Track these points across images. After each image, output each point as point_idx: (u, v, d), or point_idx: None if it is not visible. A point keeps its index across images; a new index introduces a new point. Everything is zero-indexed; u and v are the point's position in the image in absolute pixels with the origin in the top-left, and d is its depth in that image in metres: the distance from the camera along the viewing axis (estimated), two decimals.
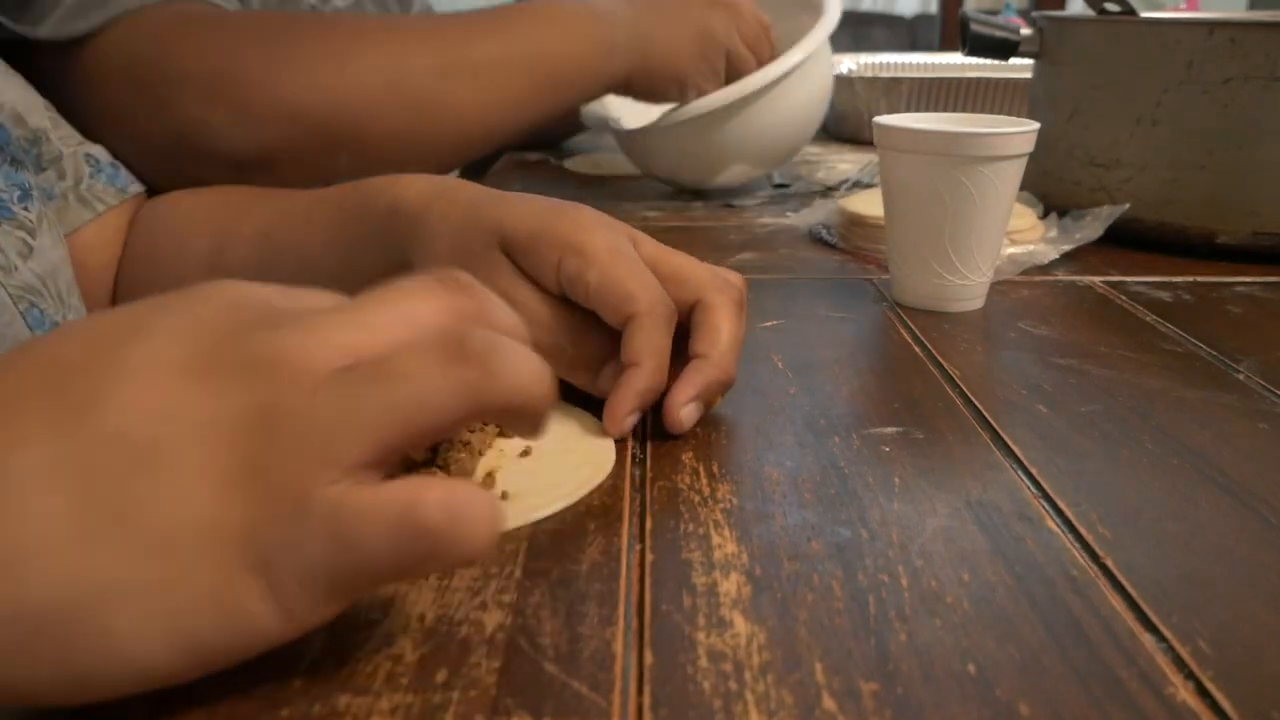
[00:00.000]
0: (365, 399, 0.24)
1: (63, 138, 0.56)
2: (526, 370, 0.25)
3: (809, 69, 0.84)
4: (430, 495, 0.24)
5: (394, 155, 0.60)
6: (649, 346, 0.39)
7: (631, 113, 0.87)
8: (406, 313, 0.26)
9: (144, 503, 0.23)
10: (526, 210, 0.41)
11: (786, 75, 0.81)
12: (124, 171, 0.59)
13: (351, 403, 0.23)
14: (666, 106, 0.84)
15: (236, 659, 0.24)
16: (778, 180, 0.96)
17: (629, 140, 0.89)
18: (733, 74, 0.82)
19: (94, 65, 0.58)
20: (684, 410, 0.40)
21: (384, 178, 0.47)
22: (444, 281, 0.27)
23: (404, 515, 0.23)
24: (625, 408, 0.39)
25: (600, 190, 0.94)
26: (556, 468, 0.38)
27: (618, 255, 0.40)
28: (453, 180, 0.46)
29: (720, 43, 0.80)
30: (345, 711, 0.25)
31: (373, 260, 0.45)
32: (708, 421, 0.42)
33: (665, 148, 0.87)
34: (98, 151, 0.58)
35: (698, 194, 0.91)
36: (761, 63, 0.82)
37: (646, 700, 0.26)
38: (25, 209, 0.49)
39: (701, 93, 0.81)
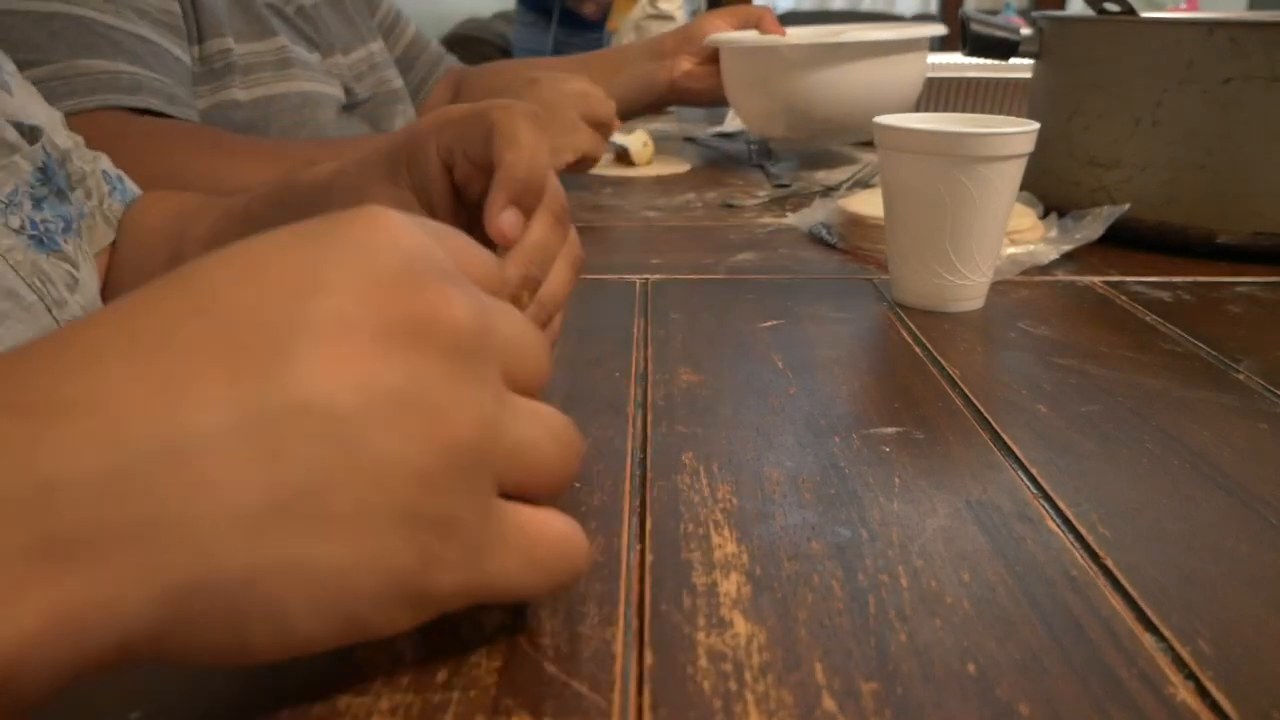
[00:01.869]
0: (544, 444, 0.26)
1: (81, 155, 0.56)
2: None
3: (910, 61, 0.98)
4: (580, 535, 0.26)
5: None
6: (524, 138, 0.38)
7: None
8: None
9: (335, 480, 0.22)
10: (412, 125, 0.43)
11: (905, 42, 0.97)
12: (127, 181, 0.59)
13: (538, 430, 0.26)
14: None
15: (387, 635, 0.24)
16: (778, 180, 0.96)
17: (770, 62, 0.98)
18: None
19: None
20: (502, 217, 0.38)
21: (314, 166, 0.48)
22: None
23: (571, 545, 0.26)
24: (496, 205, 0.38)
25: (602, 189, 0.94)
26: None
27: (479, 106, 0.41)
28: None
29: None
30: (345, 711, 0.25)
31: None
32: (708, 421, 0.42)
33: (804, 75, 0.96)
34: (107, 164, 0.58)
35: (699, 193, 0.91)
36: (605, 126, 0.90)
37: (646, 700, 0.26)
38: (67, 241, 0.49)
39: None
